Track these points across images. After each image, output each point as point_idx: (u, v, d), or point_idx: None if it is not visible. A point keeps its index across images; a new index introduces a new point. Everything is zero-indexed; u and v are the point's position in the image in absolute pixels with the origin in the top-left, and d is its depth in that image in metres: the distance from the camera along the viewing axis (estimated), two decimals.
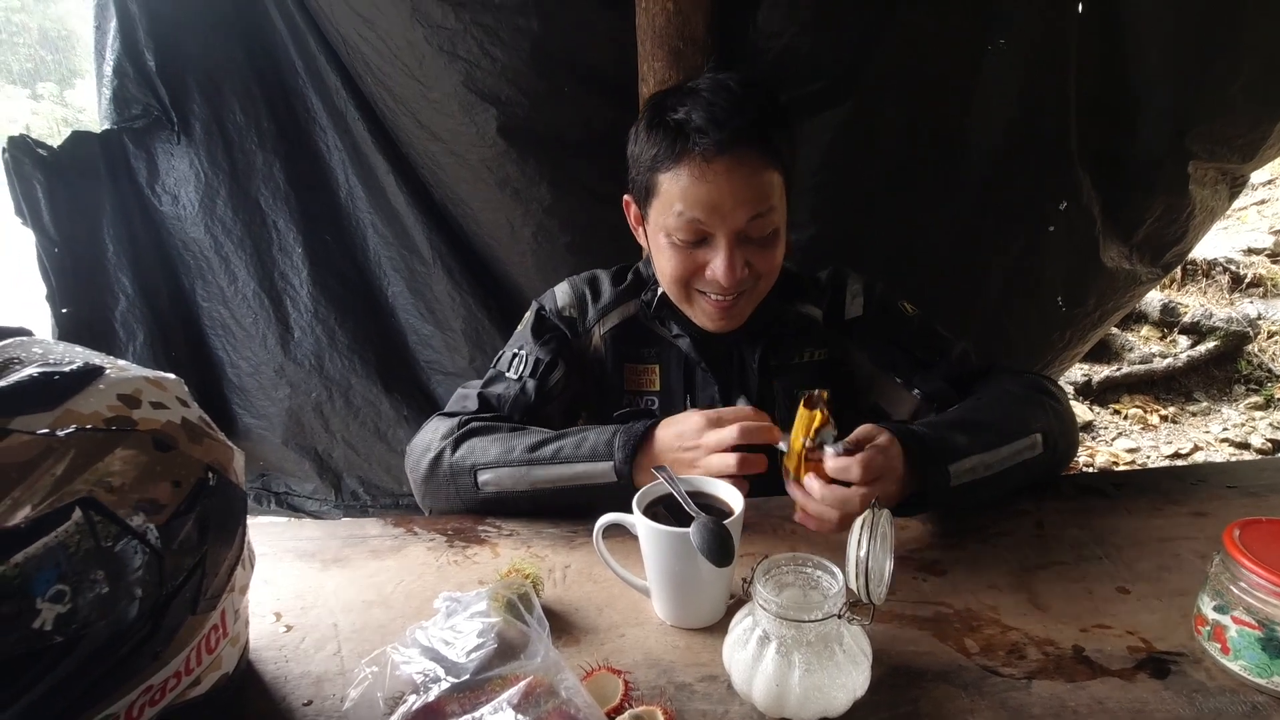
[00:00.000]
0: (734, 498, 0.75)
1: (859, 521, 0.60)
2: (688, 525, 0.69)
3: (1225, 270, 4.38)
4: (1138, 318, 4.22)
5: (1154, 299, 4.17)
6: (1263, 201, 5.06)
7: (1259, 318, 4.09)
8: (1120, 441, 3.53)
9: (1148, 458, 3.40)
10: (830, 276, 1.16)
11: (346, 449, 1.98)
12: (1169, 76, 1.61)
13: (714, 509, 0.75)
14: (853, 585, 0.60)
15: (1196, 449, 3.44)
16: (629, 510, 0.74)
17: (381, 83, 1.63)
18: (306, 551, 0.89)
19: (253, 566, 0.68)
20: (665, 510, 0.75)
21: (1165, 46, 1.59)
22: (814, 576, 0.64)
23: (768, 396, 1.10)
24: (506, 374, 1.11)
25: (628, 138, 1.06)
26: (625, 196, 1.11)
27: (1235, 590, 0.64)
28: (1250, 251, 4.56)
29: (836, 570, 0.62)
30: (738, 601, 0.74)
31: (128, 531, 0.51)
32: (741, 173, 0.92)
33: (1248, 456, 3.37)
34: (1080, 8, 1.59)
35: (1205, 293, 4.36)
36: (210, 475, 0.59)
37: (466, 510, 0.99)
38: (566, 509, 0.95)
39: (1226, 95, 1.61)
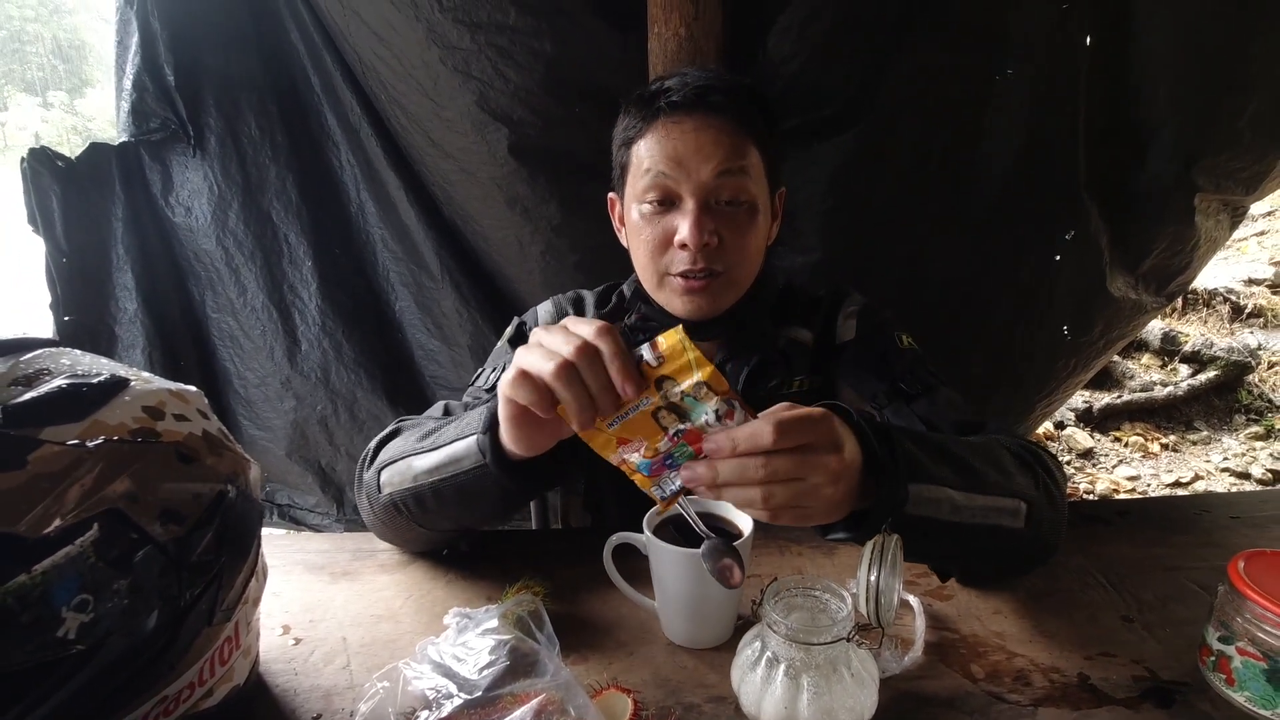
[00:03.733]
0: (744, 519, 0.76)
1: (869, 547, 0.60)
2: (698, 546, 0.69)
3: (1226, 300, 4.40)
4: (1139, 346, 4.23)
5: (1155, 328, 4.19)
6: (1263, 233, 5.09)
7: (1259, 348, 4.10)
8: (1121, 469, 3.53)
9: (1148, 486, 3.40)
10: (829, 295, 1.09)
11: (350, 463, 1.99)
12: (1176, 110, 1.63)
13: (724, 530, 0.76)
14: (863, 609, 0.60)
15: (1197, 478, 3.43)
16: (509, 513, 0.72)
17: (395, 101, 1.66)
18: (315, 564, 0.90)
19: (265, 579, 0.68)
20: (675, 530, 0.76)
21: (1173, 81, 1.61)
22: (823, 600, 0.65)
23: None
24: (479, 385, 1.03)
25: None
26: (610, 194, 1.07)
27: (1240, 621, 0.64)
28: (1251, 282, 4.59)
29: (845, 594, 0.63)
30: (746, 623, 0.74)
31: (149, 542, 0.51)
32: (710, 131, 0.90)
33: (1248, 486, 3.37)
34: (1088, 40, 1.62)
35: (1206, 322, 4.38)
36: (230, 487, 0.59)
37: (382, 527, 0.87)
38: (462, 510, 0.80)
39: (1233, 129, 1.63)
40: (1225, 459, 3.55)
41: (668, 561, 0.71)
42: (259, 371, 1.87)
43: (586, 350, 0.59)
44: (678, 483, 0.62)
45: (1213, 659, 0.67)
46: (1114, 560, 0.88)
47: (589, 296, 1.16)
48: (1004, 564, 0.82)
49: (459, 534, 0.90)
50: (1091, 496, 3.28)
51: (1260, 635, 0.62)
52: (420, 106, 1.64)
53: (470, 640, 0.66)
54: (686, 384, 0.58)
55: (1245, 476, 3.43)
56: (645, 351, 0.59)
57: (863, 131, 1.63)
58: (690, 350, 0.58)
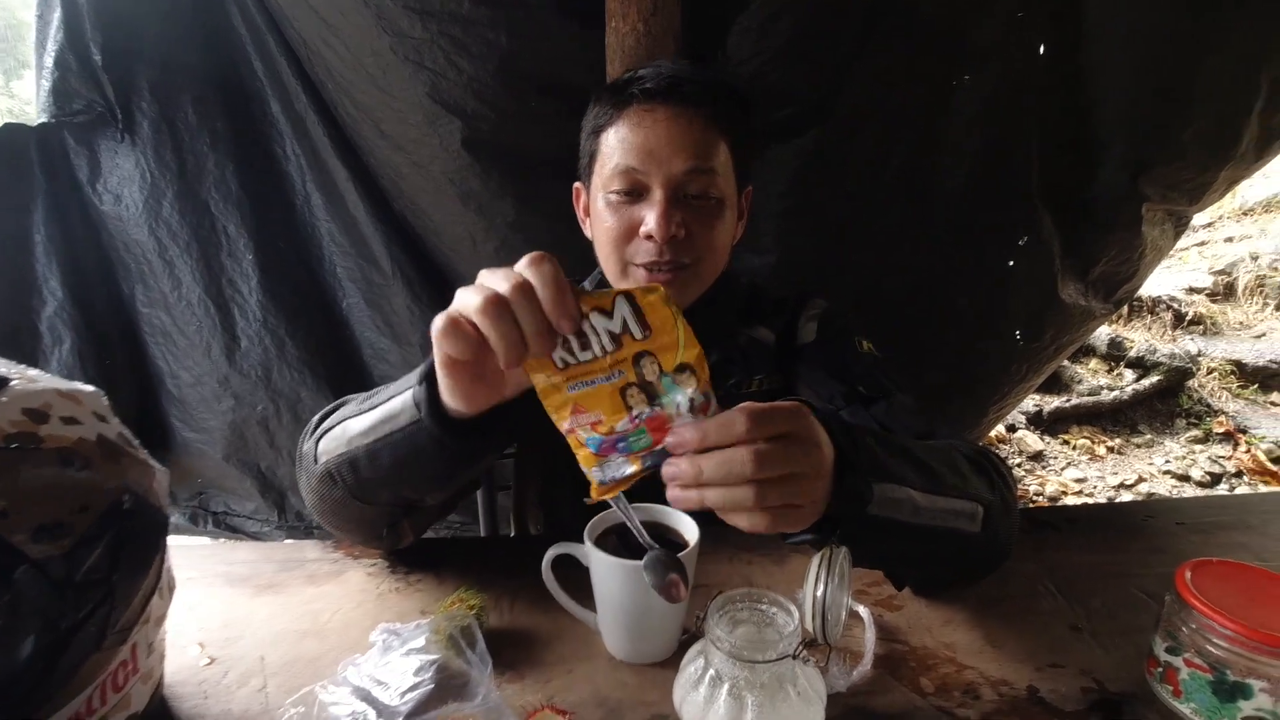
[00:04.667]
0: (690, 528, 0.73)
1: (816, 560, 0.58)
2: (640, 557, 0.66)
3: (1169, 308, 4.54)
4: (1087, 351, 4.34)
5: (1103, 333, 4.30)
6: (1203, 243, 5.29)
7: (1199, 354, 4.24)
8: (1069, 471, 3.61)
9: (1095, 487, 3.48)
10: (793, 297, 1.09)
11: (292, 466, 1.91)
12: (1126, 121, 1.66)
13: (669, 540, 0.72)
14: (809, 626, 0.58)
15: (1141, 480, 3.53)
16: (450, 480, 0.66)
17: (344, 90, 1.59)
18: (238, 576, 0.84)
19: (172, 594, 0.63)
20: (618, 540, 0.72)
21: (1122, 92, 1.64)
22: (769, 614, 0.62)
23: None
24: None
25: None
26: (575, 184, 1.04)
27: (1186, 632, 0.63)
28: (1191, 290, 4.75)
29: (792, 608, 0.60)
30: (690, 637, 0.71)
31: (23, 561, 0.46)
32: (682, 123, 0.88)
33: (1188, 489, 3.47)
34: (1042, 48, 1.64)
35: (1150, 328, 4.51)
36: (126, 497, 0.54)
37: (321, 505, 0.79)
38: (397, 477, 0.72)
39: (1179, 142, 1.67)
40: (1167, 461, 3.66)
41: (608, 574, 0.68)
42: (194, 370, 1.78)
43: (522, 286, 0.52)
44: (625, 470, 0.56)
45: (1160, 670, 0.66)
46: (1063, 567, 0.87)
47: None
48: (959, 569, 0.80)
49: (401, 510, 0.81)
50: (1041, 498, 3.35)
51: (1207, 647, 0.62)
52: (370, 96, 1.57)
53: (395, 661, 0.61)
54: (669, 364, 0.54)
55: (1185, 479, 3.54)
56: (630, 320, 0.54)
57: (821, 135, 1.62)
58: (680, 325, 0.54)
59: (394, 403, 0.68)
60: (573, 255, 1.52)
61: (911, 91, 1.64)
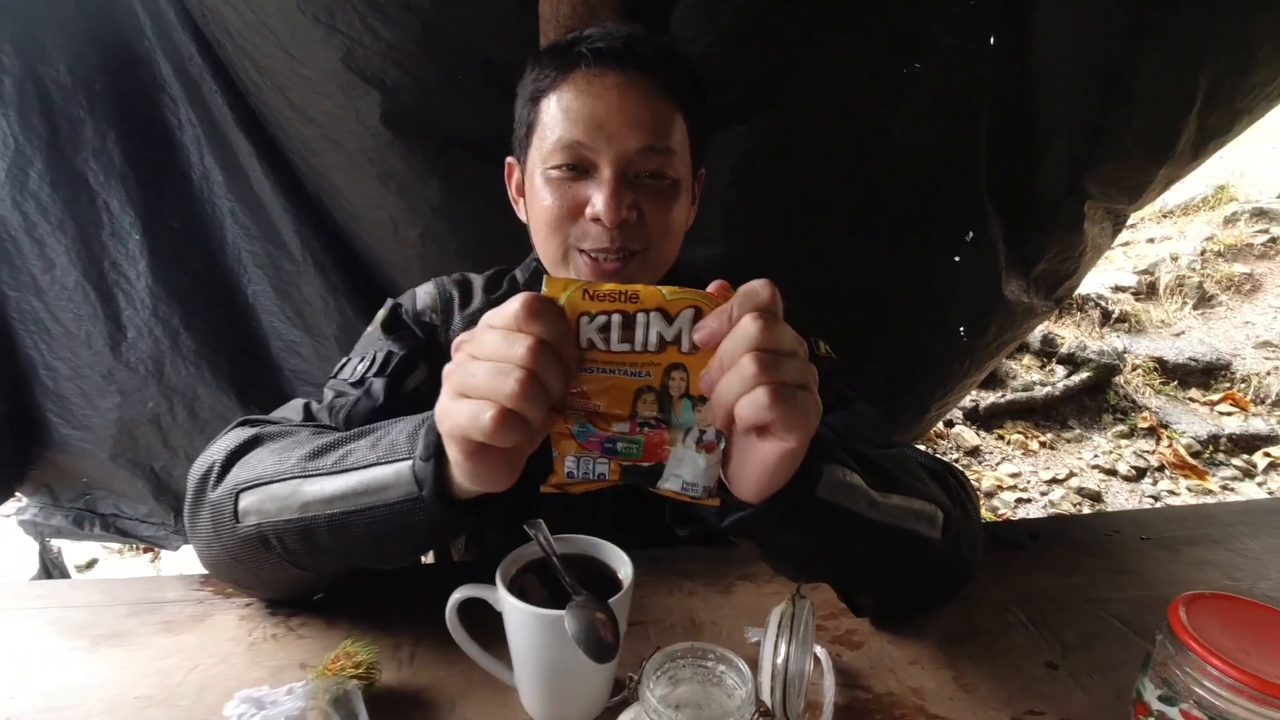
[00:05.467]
0: (622, 564, 0.62)
1: (775, 617, 0.48)
2: (563, 604, 0.55)
3: (1097, 305, 4.68)
4: (1021, 347, 4.43)
5: (1036, 330, 4.39)
6: (1127, 243, 5.47)
7: (1125, 351, 4.37)
8: (1004, 466, 3.67)
9: (1029, 482, 3.55)
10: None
11: (190, 467, 1.73)
12: (1070, 118, 1.64)
13: (598, 575, 0.61)
14: (766, 698, 0.48)
15: (1071, 474, 3.61)
16: (425, 551, 0.57)
17: (245, 51, 1.42)
18: (73, 624, 0.69)
19: None
20: (537, 579, 0.61)
21: (1067, 88, 1.61)
22: (716, 672, 0.52)
23: None
24: (344, 378, 0.85)
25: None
26: (508, 159, 0.93)
27: (1184, 679, 0.56)
28: (1118, 289, 4.91)
29: (744, 668, 0.50)
30: (623, 698, 0.60)
31: None
32: (636, 93, 0.78)
33: (1115, 482, 3.57)
34: (992, 40, 1.59)
35: (1079, 326, 4.64)
36: None
37: (233, 565, 0.68)
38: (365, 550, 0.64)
39: (1119, 141, 1.65)
40: (1095, 456, 3.76)
41: (523, 624, 0.57)
42: (72, 362, 1.58)
43: (543, 351, 0.46)
44: (600, 471, 0.51)
45: (1152, 719, 0.59)
46: (1031, 593, 0.81)
47: (477, 280, 1.00)
48: (922, 582, 0.73)
49: (345, 574, 0.71)
50: (978, 494, 3.39)
51: (1208, 696, 0.54)
52: (274, 60, 1.41)
53: None
54: (697, 388, 0.49)
55: (1113, 473, 3.64)
56: (686, 332, 0.49)
57: (768, 122, 1.55)
58: None
59: (379, 473, 0.58)
60: (504, 244, 1.38)
61: (860, 81, 1.57)
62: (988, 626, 0.75)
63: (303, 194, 1.57)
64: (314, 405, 0.81)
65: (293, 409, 0.81)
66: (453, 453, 0.51)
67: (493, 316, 0.48)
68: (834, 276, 1.72)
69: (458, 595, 0.60)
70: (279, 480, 0.63)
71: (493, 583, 0.58)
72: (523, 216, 0.91)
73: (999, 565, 0.86)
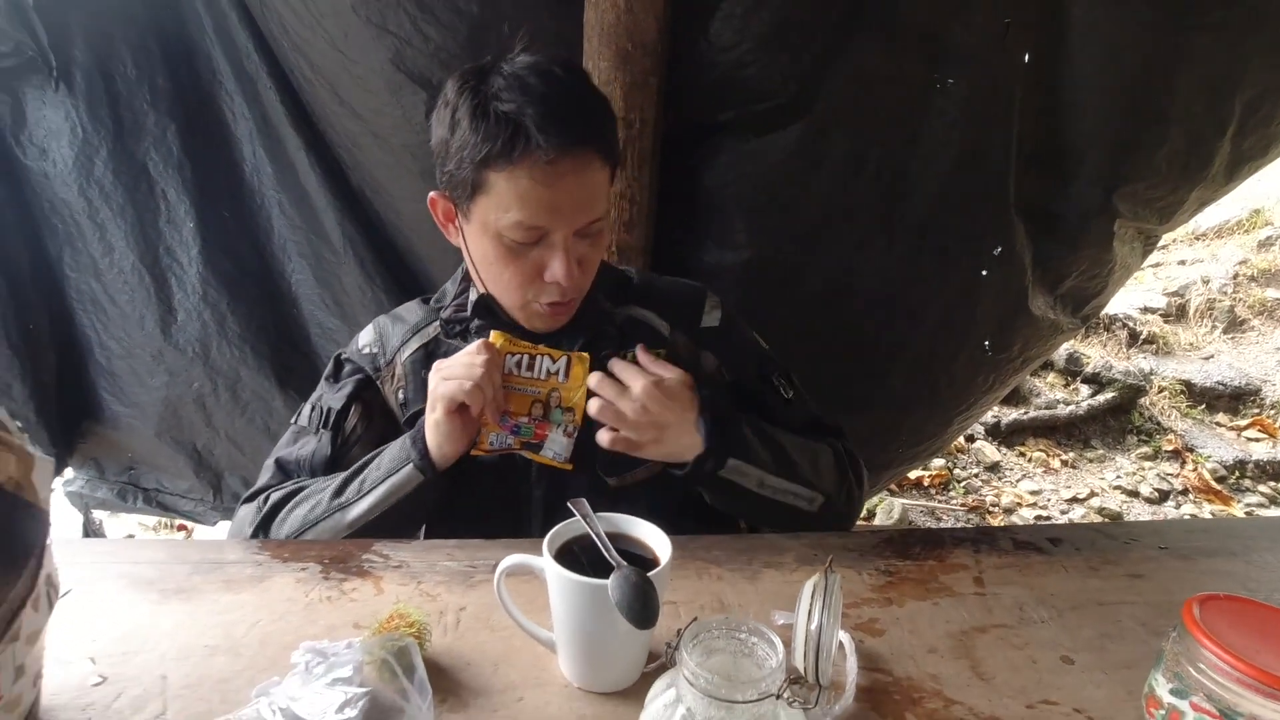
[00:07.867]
0: (660, 542, 0.66)
1: (809, 587, 0.51)
2: (605, 575, 0.59)
3: (1124, 326, 4.63)
4: (1045, 364, 4.40)
5: (1062, 348, 4.36)
6: (1158, 264, 5.42)
7: (1151, 373, 4.33)
8: (1024, 483, 3.65)
9: (1048, 500, 3.53)
10: (690, 291, 1.13)
11: (230, 446, 1.79)
12: (1103, 135, 1.64)
13: (636, 555, 0.65)
14: (799, 662, 0.51)
15: (1093, 494, 3.58)
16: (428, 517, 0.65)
17: (300, 50, 1.48)
18: (142, 579, 0.74)
19: (52, 606, 0.53)
20: (580, 554, 0.65)
21: (1100, 106, 1.61)
22: (748, 643, 0.55)
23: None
24: (305, 427, 1.05)
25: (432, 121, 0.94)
26: (431, 194, 0.98)
27: (1195, 673, 0.59)
28: (1146, 310, 4.85)
29: (774, 639, 0.54)
30: (658, 666, 0.64)
31: None
32: (584, 176, 0.87)
33: (1137, 504, 3.54)
34: (1026, 57, 1.61)
35: (1106, 345, 4.60)
36: None
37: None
38: (397, 527, 0.93)
39: (1152, 161, 1.66)
40: (1118, 477, 3.72)
41: (568, 592, 0.61)
42: (125, 342, 1.65)
43: (488, 365, 0.88)
44: (507, 442, 0.92)
45: (1162, 712, 0.62)
46: (1049, 592, 0.83)
47: (413, 307, 1.15)
48: (793, 529, 0.98)
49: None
50: (997, 509, 3.38)
51: (1217, 690, 0.57)
52: (327, 59, 1.46)
53: (317, 689, 0.53)
54: (565, 402, 0.93)
55: (1135, 495, 3.60)
56: (564, 370, 0.93)
57: (799, 131, 1.57)
58: (583, 386, 0.92)
59: (395, 479, 0.91)
60: None
61: (891, 91, 1.59)
62: (1006, 620, 0.78)
63: (347, 187, 1.62)
64: (286, 463, 1.03)
65: (269, 471, 1.04)
66: (438, 417, 0.88)
67: (463, 353, 0.89)
68: (859, 284, 1.74)
69: (507, 562, 0.65)
70: (321, 522, 0.92)
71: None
72: (455, 243, 1.01)
73: (1019, 565, 0.88)
